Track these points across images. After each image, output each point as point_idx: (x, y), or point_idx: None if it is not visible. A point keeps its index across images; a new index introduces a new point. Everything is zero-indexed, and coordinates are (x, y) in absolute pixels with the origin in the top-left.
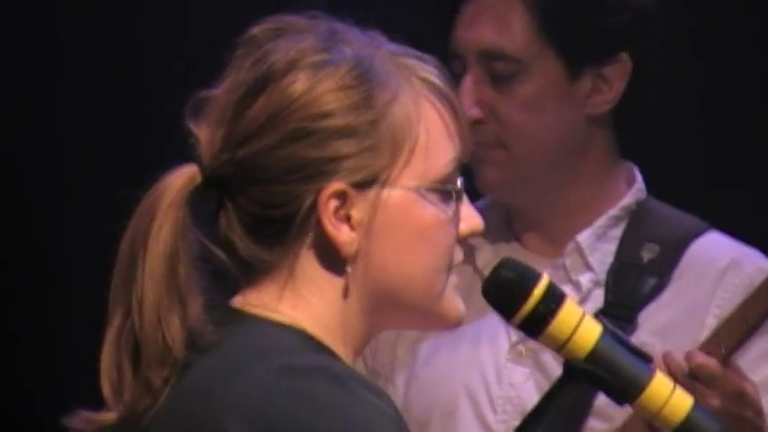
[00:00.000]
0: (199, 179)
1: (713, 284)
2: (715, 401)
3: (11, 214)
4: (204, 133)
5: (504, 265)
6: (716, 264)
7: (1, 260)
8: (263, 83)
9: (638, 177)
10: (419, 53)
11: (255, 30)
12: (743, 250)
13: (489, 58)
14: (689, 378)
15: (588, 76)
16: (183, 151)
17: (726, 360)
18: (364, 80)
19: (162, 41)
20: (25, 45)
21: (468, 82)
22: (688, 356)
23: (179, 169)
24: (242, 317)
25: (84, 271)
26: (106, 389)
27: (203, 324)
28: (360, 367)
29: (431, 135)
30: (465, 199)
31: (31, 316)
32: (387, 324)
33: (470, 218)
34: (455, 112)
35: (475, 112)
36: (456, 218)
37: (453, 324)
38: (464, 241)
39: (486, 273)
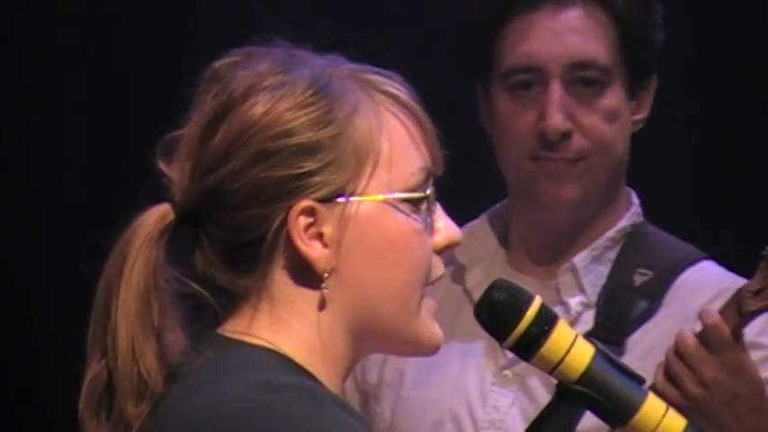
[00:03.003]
0: (171, 216)
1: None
2: (710, 373)
3: None
4: (175, 172)
5: (495, 286)
6: (705, 291)
7: None
8: (224, 111)
9: (635, 200)
10: (380, 69)
11: (216, 64)
12: (735, 279)
13: (578, 68)
14: (698, 339)
15: (635, 95)
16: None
17: (734, 332)
18: (323, 96)
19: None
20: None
21: (557, 92)
22: (704, 314)
23: (152, 208)
24: (221, 342)
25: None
26: (86, 428)
27: (183, 356)
28: (350, 387)
29: (394, 145)
30: (440, 211)
31: (15, 361)
32: (367, 347)
33: (447, 228)
34: (420, 123)
35: (568, 125)
36: (429, 228)
37: (429, 349)
38: (450, 257)
39: (476, 294)
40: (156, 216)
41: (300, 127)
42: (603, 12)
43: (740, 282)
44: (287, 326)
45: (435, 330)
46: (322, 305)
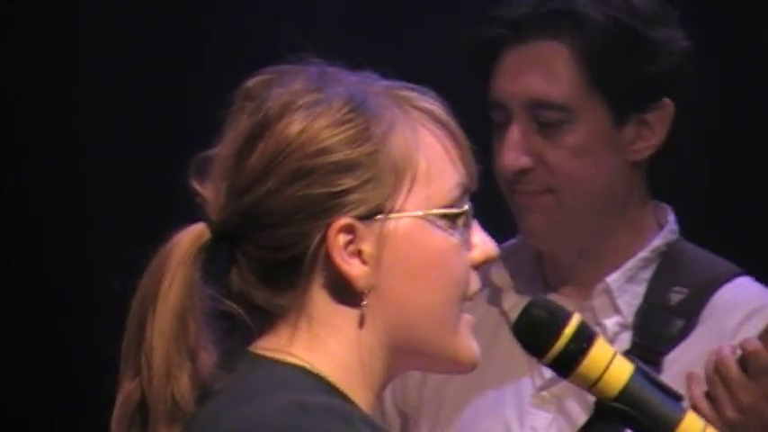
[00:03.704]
0: (207, 235)
1: (736, 327)
2: (748, 399)
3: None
4: (209, 191)
5: (534, 304)
6: (742, 308)
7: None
8: (260, 130)
9: (671, 218)
10: (414, 86)
11: (249, 83)
12: None
13: (537, 107)
14: (738, 364)
15: (633, 123)
16: (194, 212)
17: None
18: (359, 114)
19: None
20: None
21: (515, 132)
22: (745, 342)
23: (187, 228)
24: (254, 360)
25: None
26: None
27: (215, 376)
28: (390, 409)
29: (432, 161)
30: (477, 226)
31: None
32: (405, 364)
33: (483, 244)
34: (455, 138)
35: (524, 162)
36: (467, 243)
37: (467, 366)
38: (485, 279)
39: (513, 315)
40: (193, 235)
41: (338, 144)
42: (568, 51)
43: None
44: (324, 344)
45: (473, 347)
46: (361, 323)
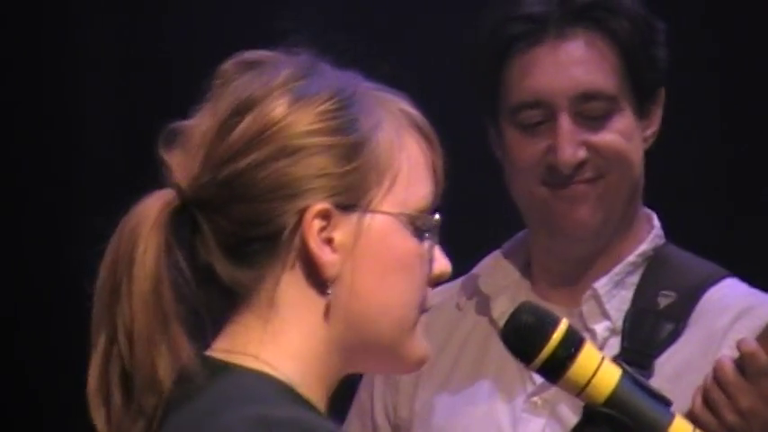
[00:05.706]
0: (176, 202)
1: (726, 328)
2: (746, 402)
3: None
4: (178, 160)
5: (522, 309)
6: (731, 309)
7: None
8: (246, 107)
9: (656, 223)
10: (395, 90)
11: (229, 63)
12: (759, 296)
13: (584, 99)
14: (735, 365)
15: (645, 112)
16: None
17: None
18: (348, 105)
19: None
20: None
21: (566, 125)
22: (742, 343)
23: (155, 193)
24: (215, 367)
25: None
26: (96, 415)
27: (188, 356)
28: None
29: (412, 165)
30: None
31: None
32: (356, 361)
33: (441, 259)
34: (433, 147)
35: (582, 153)
36: (430, 254)
37: (416, 365)
38: (474, 289)
39: (502, 324)
40: (162, 201)
41: (325, 129)
42: (605, 41)
43: (764, 298)
44: (283, 333)
45: (425, 345)
46: (322, 312)
